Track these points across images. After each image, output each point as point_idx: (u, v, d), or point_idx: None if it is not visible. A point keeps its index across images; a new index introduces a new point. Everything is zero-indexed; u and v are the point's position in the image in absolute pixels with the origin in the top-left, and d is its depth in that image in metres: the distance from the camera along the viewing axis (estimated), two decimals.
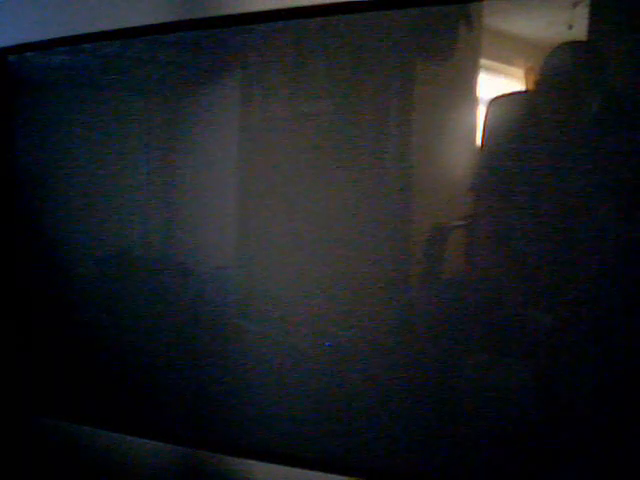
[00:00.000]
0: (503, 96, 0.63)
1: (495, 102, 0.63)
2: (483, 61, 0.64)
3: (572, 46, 0.60)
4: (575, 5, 0.59)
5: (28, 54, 0.85)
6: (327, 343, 0.70)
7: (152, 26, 0.74)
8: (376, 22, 0.66)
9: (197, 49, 0.76)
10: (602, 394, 0.60)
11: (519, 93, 0.62)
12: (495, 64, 0.64)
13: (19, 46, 0.83)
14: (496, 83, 0.64)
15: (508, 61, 0.63)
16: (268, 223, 0.74)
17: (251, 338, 0.74)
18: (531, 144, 0.61)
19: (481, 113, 0.64)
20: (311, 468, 0.69)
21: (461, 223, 0.65)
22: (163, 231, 0.81)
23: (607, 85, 0.59)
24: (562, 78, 0.61)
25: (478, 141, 0.64)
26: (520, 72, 0.62)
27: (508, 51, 0.63)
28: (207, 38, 0.75)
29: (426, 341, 0.67)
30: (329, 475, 0.68)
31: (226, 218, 0.78)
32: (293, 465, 0.70)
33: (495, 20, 0.63)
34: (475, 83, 0.64)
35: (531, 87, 0.62)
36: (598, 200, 0.59)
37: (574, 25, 0.59)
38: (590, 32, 0.59)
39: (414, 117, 0.67)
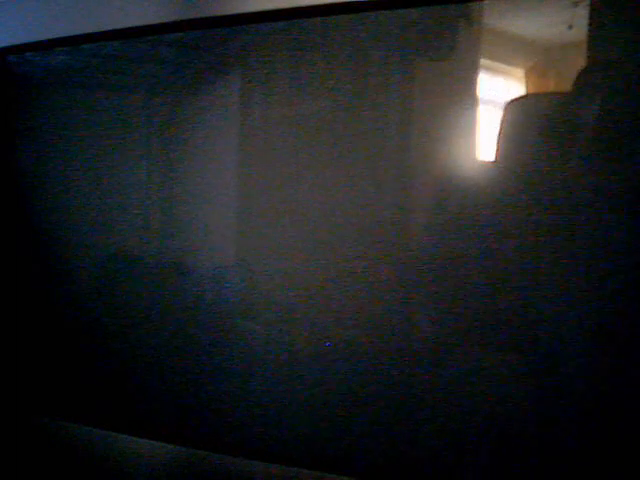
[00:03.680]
0: (520, 98, 0.63)
1: (512, 104, 0.63)
2: (483, 61, 0.64)
3: (573, 46, 0.60)
4: (575, 5, 0.59)
5: (28, 54, 0.85)
6: (327, 343, 0.70)
7: (152, 26, 0.74)
8: (376, 22, 0.66)
9: (197, 49, 0.76)
10: (601, 394, 0.60)
11: (536, 95, 0.62)
12: (495, 64, 0.64)
13: (19, 46, 0.83)
14: (496, 83, 0.64)
15: (508, 61, 0.63)
16: (268, 222, 0.74)
17: (251, 337, 0.74)
18: (553, 146, 0.61)
19: (481, 113, 0.64)
20: (312, 468, 0.69)
21: (462, 225, 0.65)
22: (163, 231, 0.81)
23: (608, 85, 0.59)
24: (565, 79, 0.61)
25: (478, 142, 0.64)
26: (520, 72, 0.62)
27: (508, 51, 0.63)
28: (207, 38, 0.75)
29: (426, 342, 0.67)
30: (329, 475, 0.68)
31: (227, 218, 0.78)
32: (293, 465, 0.70)
33: (495, 20, 0.63)
34: (475, 83, 0.64)
35: (545, 88, 0.62)
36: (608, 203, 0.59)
37: (574, 25, 0.59)
38: (590, 32, 0.59)
39: (414, 117, 0.67)
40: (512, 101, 0.63)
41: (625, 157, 0.58)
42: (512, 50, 0.62)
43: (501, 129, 0.63)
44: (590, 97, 0.60)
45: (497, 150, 0.63)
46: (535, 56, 0.62)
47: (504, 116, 0.63)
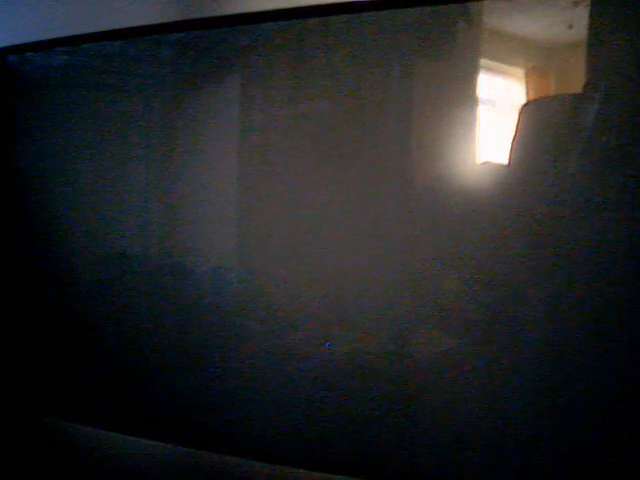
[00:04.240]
0: (519, 99, 0.62)
1: (528, 107, 0.62)
2: (483, 61, 0.64)
3: (573, 46, 0.60)
4: (575, 5, 0.59)
5: (28, 54, 0.85)
6: (327, 344, 0.70)
7: (152, 26, 0.74)
8: (376, 22, 0.66)
9: (197, 49, 0.76)
10: (601, 395, 0.60)
11: (536, 96, 0.62)
12: (495, 64, 0.64)
13: (19, 46, 0.83)
14: (496, 83, 0.64)
15: (508, 61, 0.63)
16: (269, 223, 0.74)
17: (251, 338, 0.74)
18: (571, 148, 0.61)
19: (480, 113, 0.64)
20: (312, 469, 0.69)
21: (462, 226, 0.65)
22: (163, 231, 0.81)
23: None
24: (565, 79, 0.61)
25: (478, 142, 0.64)
26: (520, 72, 0.62)
27: (508, 51, 0.63)
28: (207, 38, 0.75)
29: (427, 344, 0.67)
30: (329, 475, 0.68)
31: (226, 218, 0.78)
32: (293, 465, 0.70)
33: (495, 20, 0.63)
34: (475, 83, 0.64)
35: (546, 88, 0.62)
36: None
37: (574, 25, 0.59)
38: (590, 32, 0.59)
39: (414, 118, 0.67)
40: (512, 102, 0.63)
41: (621, 161, 0.58)
42: (512, 50, 0.62)
43: (500, 130, 0.63)
44: (591, 97, 0.59)
45: (496, 150, 0.63)
46: (535, 56, 0.62)
47: (503, 117, 0.63)
